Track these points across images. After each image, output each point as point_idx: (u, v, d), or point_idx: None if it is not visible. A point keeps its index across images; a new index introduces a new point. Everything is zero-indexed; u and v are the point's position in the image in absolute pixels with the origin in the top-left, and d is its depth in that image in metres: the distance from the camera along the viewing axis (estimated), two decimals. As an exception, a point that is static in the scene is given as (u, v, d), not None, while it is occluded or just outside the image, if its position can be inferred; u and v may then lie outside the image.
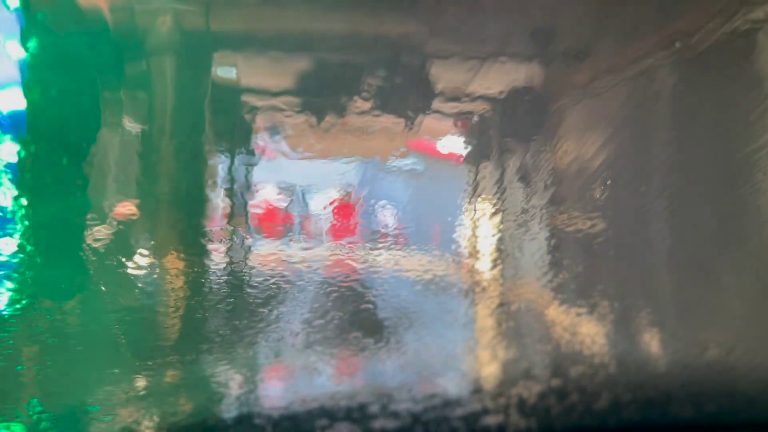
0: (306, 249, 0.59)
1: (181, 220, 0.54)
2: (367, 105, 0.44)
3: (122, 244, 0.55)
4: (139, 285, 0.61)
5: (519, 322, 0.76)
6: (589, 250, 0.63)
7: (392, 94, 0.44)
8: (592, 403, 0.74)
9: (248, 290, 0.64)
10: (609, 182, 0.54)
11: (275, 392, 0.81)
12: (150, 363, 0.72)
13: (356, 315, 0.70)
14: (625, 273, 0.69)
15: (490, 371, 0.84)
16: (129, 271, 0.58)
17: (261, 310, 0.68)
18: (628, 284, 0.71)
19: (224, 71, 0.42)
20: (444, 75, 0.43)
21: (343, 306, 0.68)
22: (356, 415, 0.85)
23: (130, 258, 0.57)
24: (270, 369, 0.78)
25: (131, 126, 0.44)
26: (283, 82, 0.42)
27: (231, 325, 0.69)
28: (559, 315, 0.77)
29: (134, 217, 0.52)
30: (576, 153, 0.51)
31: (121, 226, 0.53)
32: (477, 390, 0.85)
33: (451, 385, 0.84)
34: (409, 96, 0.44)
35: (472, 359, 0.82)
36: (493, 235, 0.60)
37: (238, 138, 0.46)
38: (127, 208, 0.51)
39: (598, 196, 0.56)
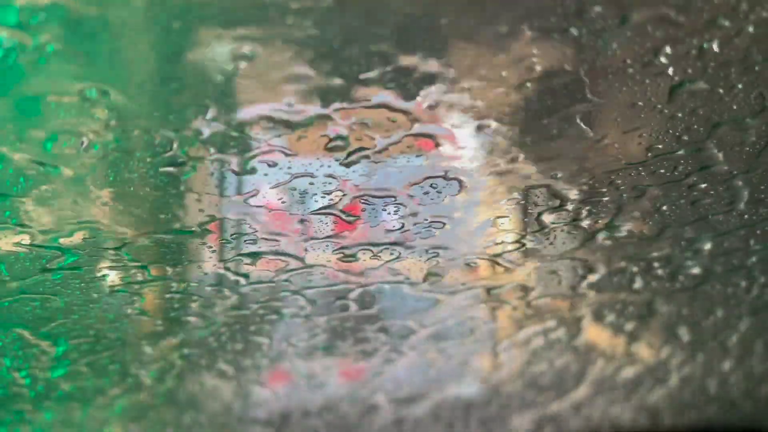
0: (307, 250, 0.57)
1: (167, 222, 0.51)
2: (375, 94, 0.41)
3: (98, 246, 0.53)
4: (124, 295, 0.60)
5: (538, 335, 0.75)
6: (633, 255, 0.61)
7: (402, 81, 0.40)
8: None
9: (247, 293, 0.62)
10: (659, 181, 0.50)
11: (275, 397, 0.81)
12: (140, 375, 0.72)
13: (358, 318, 0.69)
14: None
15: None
16: (111, 278, 0.57)
17: (260, 313, 0.66)
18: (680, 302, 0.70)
19: (215, 56, 0.38)
20: (461, 57, 0.40)
21: (345, 309, 0.67)
22: (357, 419, 0.86)
23: (111, 264, 0.55)
24: (270, 374, 0.78)
25: (101, 115, 0.41)
26: (282, 69, 0.39)
27: (228, 330, 0.68)
28: (595, 332, 0.75)
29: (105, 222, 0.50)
30: (617, 145, 0.48)
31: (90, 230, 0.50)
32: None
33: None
34: (420, 83, 0.41)
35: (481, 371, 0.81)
36: (512, 238, 0.58)
37: (231, 130, 0.43)
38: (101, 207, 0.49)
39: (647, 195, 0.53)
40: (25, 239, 0.50)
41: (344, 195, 0.50)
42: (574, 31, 0.38)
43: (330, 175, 0.48)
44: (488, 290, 0.66)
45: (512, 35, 0.38)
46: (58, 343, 0.64)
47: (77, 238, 0.51)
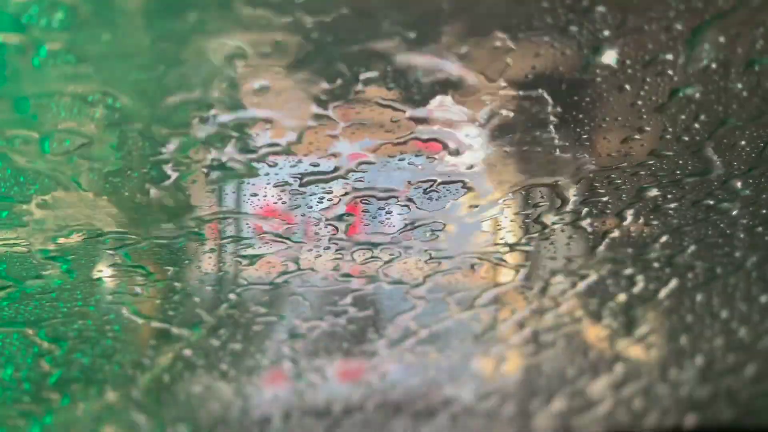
0: (307, 251, 0.56)
1: (166, 222, 0.51)
2: (375, 95, 0.41)
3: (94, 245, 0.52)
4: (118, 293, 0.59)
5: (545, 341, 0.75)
6: (634, 255, 0.61)
7: (403, 82, 0.40)
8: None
9: (246, 294, 0.62)
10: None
11: (273, 398, 0.81)
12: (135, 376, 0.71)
13: (357, 319, 0.68)
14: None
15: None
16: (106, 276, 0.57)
17: (259, 314, 0.66)
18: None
19: (215, 56, 0.38)
20: (463, 58, 0.39)
21: (344, 310, 0.67)
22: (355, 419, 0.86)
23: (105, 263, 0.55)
24: (269, 375, 0.77)
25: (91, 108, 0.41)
26: (283, 69, 0.39)
27: (227, 330, 0.68)
28: (597, 333, 0.75)
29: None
30: (617, 146, 0.47)
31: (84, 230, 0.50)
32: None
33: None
34: (422, 85, 0.41)
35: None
36: (513, 239, 0.58)
37: (231, 130, 0.43)
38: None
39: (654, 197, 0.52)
40: (25, 240, 0.50)
41: (345, 195, 0.50)
42: (574, 32, 0.38)
43: (331, 175, 0.48)
44: (488, 290, 0.66)
45: (514, 37, 0.38)
46: (57, 342, 0.64)
47: (76, 238, 0.51)
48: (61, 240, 0.50)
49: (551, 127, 0.45)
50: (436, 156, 0.47)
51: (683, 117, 0.45)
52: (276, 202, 0.50)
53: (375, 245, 0.57)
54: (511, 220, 0.55)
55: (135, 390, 0.74)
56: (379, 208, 0.52)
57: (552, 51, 0.39)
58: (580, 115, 0.44)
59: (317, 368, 0.78)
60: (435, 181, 0.49)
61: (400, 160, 0.47)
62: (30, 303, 0.57)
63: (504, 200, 0.53)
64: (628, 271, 0.64)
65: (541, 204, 0.53)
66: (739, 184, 0.52)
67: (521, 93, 0.42)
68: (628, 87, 0.42)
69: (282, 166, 0.46)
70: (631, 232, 0.58)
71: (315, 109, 0.41)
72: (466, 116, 0.43)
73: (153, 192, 0.47)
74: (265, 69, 0.39)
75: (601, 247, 0.60)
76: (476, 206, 0.53)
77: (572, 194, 0.52)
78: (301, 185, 0.48)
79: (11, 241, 0.50)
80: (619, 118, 0.45)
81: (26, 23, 0.34)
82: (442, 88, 0.41)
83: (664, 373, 0.84)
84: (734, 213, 0.56)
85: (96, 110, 0.40)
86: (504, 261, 0.61)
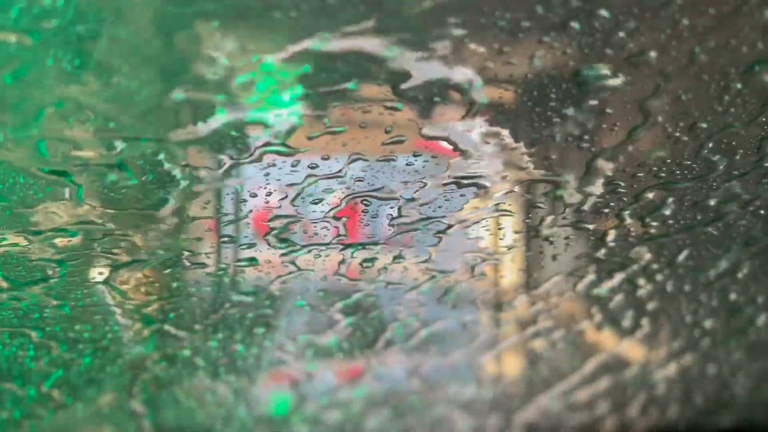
0: (305, 251, 0.56)
1: (165, 223, 0.51)
2: (374, 93, 0.41)
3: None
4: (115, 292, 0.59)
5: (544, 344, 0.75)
6: (635, 255, 0.61)
7: (404, 82, 0.40)
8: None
9: (245, 294, 0.62)
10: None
11: (272, 399, 0.81)
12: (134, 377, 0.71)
13: (358, 319, 0.68)
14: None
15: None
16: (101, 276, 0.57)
17: (258, 314, 0.66)
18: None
19: (215, 56, 0.38)
20: (465, 58, 0.39)
21: (344, 310, 0.67)
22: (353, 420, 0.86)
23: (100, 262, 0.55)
24: (267, 376, 0.77)
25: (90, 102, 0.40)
26: (283, 70, 0.39)
27: (226, 331, 0.68)
28: (597, 333, 0.75)
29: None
30: (617, 147, 0.47)
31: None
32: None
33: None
34: (423, 85, 0.41)
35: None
36: (514, 240, 0.58)
37: (231, 130, 0.43)
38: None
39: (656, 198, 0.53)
40: (23, 241, 0.50)
41: (346, 195, 0.50)
42: (576, 32, 0.38)
43: (331, 176, 0.48)
44: (489, 291, 0.66)
45: (514, 36, 0.38)
46: (57, 342, 0.64)
47: (76, 239, 0.51)
48: (60, 241, 0.50)
49: (552, 127, 0.45)
50: (437, 156, 0.47)
51: (683, 117, 0.45)
52: (276, 202, 0.50)
53: (375, 246, 0.57)
54: (513, 220, 0.55)
55: (134, 390, 0.74)
56: (380, 208, 0.52)
57: (553, 51, 0.39)
58: (581, 116, 0.44)
59: (316, 369, 0.78)
60: (435, 181, 0.49)
61: (401, 160, 0.47)
62: (30, 303, 0.57)
63: (506, 201, 0.53)
64: (628, 271, 0.64)
65: (541, 204, 0.53)
66: (738, 185, 0.52)
67: (522, 92, 0.42)
68: (628, 88, 0.42)
69: (282, 165, 0.46)
70: (631, 233, 0.58)
71: (314, 109, 0.41)
72: (466, 116, 0.43)
73: (152, 193, 0.47)
74: (267, 70, 0.39)
75: (602, 248, 0.60)
76: (476, 206, 0.53)
77: (573, 194, 0.52)
78: (301, 185, 0.48)
79: (11, 242, 0.50)
80: (620, 119, 0.45)
81: (27, 24, 0.34)
82: (442, 88, 0.41)
83: (663, 374, 0.84)
84: (734, 214, 0.56)
85: (95, 112, 0.40)
86: (504, 261, 0.61)
